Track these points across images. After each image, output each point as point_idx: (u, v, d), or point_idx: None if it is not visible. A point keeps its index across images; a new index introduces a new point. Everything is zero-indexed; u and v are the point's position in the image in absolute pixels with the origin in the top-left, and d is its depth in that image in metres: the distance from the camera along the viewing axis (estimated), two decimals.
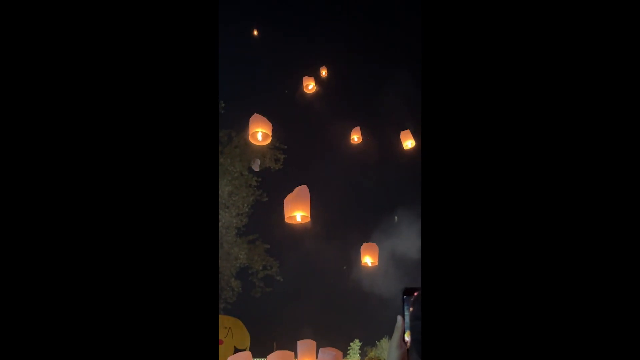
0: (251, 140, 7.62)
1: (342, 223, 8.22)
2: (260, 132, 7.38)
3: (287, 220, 6.75)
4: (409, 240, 8.05)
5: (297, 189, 6.57)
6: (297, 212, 6.58)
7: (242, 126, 8.37)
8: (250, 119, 7.42)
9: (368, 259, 7.47)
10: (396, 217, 8.53)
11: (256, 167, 8.32)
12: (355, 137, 8.90)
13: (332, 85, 9.03)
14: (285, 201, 6.71)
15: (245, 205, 8.02)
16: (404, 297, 1.32)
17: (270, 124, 7.45)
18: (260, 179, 8.32)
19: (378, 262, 7.55)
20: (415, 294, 1.22)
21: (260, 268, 7.69)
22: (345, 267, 8.03)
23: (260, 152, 8.43)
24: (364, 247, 7.42)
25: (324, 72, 9.15)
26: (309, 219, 6.71)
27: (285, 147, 8.57)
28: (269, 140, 7.49)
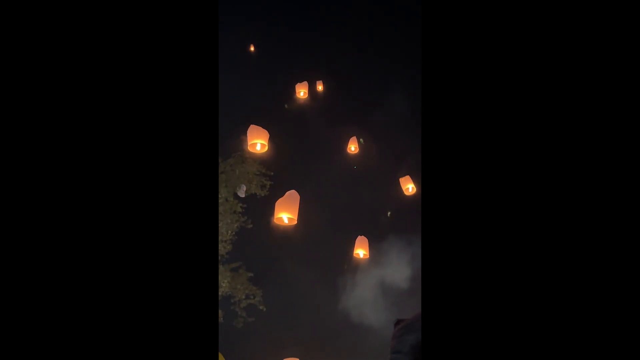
0: (250, 149, 8.22)
1: (327, 251, 8.05)
2: (259, 143, 8.11)
3: (275, 221, 7.57)
4: (398, 269, 7.90)
5: (287, 193, 7.50)
6: (284, 214, 7.38)
7: (228, 152, 8.30)
8: (248, 131, 8.05)
9: (360, 251, 8.07)
10: (389, 213, 8.47)
11: (242, 194, 8.25)
12: (352, 147, 8.90)
13: (328, 99, 9.06)
14: (276, 204, 7.46)
15: (229, 232, 7.89)
16: None
17: (267, 132, 8.11)
18: (245, 206, 8.18)
19: (368, 291, 7.78)
20: (400, 325, 1.18)
21: (243, 297, 7.47)
22: (345, 266, 8.05)
23: (246, 178, 8.37)
24: (358, 240, 8.12)
25: (320, 87, 9.18)
26: (295, 222, 7.48)
27: (272, 173, 8.46)
28: (266, 149, 8.07)
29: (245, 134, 8.33)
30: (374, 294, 7.84)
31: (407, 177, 8.73)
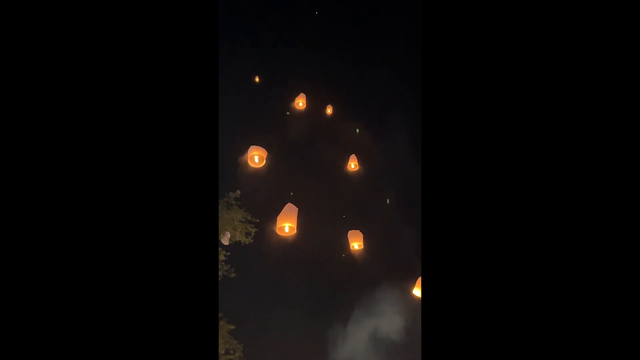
0: (249, 162, 8.74)
1: (315, 301, 7.68)
2: (256, 155, 8.65)
3: (277, 232, 8.28)
4: (392, 320, 7.54)
5: (286, 206, 8.23)
6: (286, 224, 8.14)
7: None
8: (249, 150, 8.64)
9: (356, 245, 8.47)
10: (388, 200, 8.60)
11: (225, 241, 7.96)
12: (352, 164, 9.04)
13: (335, 122, 9.14)
14: (278, 217, 8.25)
15: None
16: None
17: (265, 151, 8.64)
18: (229, 253, 7.83)
19: (360, 343, 7.52)
20: None
21: (223, 352, 6.98)
22: (344, 255, 8.09)
23: (231, 225, 8.09)
24: (350, 233, 8.49)
25: (329, 110, 9.36)
26: (295, 231, 8.19)
27: (258, 220, 8.17)
28: (263, 163, 8.70)
29: (236, 175, 8.44)
30: (366, 347, 7.44)
31: (419, 281, 8.27)
